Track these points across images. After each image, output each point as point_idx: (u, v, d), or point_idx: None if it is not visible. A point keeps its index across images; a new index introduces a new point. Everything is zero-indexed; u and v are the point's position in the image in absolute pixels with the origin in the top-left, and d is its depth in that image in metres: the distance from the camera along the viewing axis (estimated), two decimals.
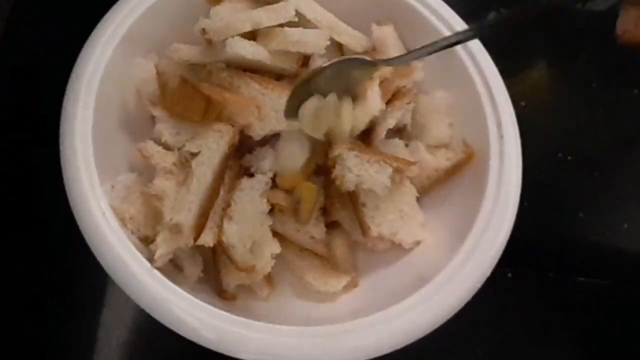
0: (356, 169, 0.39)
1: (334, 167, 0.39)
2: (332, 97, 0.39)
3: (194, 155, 0.38)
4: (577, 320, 0.49)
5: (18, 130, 0.50)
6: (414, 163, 0.41)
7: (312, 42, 0.41)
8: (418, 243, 0.41)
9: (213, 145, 0.38)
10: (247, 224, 0.38)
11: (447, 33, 0.43)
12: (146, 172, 0.40)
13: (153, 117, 0.40)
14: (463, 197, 0.41)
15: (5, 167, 0.48)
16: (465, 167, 0.42)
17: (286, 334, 0.33)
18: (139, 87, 0.42)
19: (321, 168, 0.40)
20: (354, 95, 0.40)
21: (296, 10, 0.40)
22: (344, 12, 0.44)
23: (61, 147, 0.37)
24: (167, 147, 0.39)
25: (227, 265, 0.38)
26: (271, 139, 0.41)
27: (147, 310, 0.33)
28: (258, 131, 0.39)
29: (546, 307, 0.49)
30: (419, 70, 0.44)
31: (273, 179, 0.40)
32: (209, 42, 0.40)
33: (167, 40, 0.42)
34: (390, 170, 0.38)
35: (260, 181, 0.39)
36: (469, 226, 0.38)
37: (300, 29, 0.41)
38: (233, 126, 0.39)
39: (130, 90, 0.42)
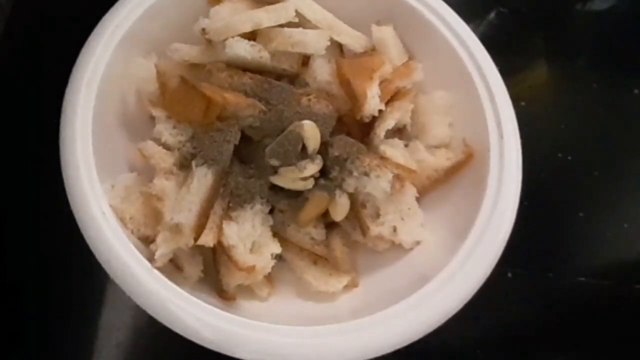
0: (356, 172, 0.39)
1: (333, 168, 0.39)
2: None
3: (194, 155, 0.38)
4: (577, 320, 0.49)
5: (18, 130, 0.50)
6: (415, 171, 0.41)
7: (312, 42, 0.41)
8: (418, 243, 0.41)
9: (213, 146, 0.38)
10: (247, 224, 0.38)
11: (447, 33, 0.43)
12: (146, 172, 0.40)
13: (153, 117, 0.40)
14: (463, 197, 0.41)
15: (5, 167, 0.48)
16: (465, 167, 0.42)
17: (286, 334, 0.33)
18: (139, 87, 0.42)
19: (321, 169, 0.40)
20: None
21: (296, 10, 0.40)
22: (344, 12, 0.44)
23: (61, 147, 0.37)
24: (167, 147, 0.39)
25: (227, 265, 0.38)
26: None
27: (147, 310, 0.33)
28: (258, 131, 0.39)
29: (546, 307, 0.49)
30: (419, 70, 0.44)
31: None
32: (209, 42, 0.40)
33: (167, 40, 0.42)
34: (390, 176, 0.38)
35: None
36: (469, 226, 0.38)
37: (300, 29, 0.41)
38: (233, 126, 0.39)
39: (130, 90, 0.42)
